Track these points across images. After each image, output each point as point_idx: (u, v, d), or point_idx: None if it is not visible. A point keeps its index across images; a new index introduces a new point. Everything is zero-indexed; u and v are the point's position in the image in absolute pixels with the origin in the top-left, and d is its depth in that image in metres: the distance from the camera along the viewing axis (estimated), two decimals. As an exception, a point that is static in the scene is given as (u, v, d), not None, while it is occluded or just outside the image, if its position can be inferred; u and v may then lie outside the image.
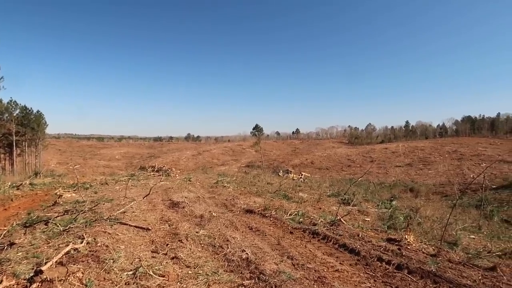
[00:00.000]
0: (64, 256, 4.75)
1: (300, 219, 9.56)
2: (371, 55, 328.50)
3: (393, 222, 10.35)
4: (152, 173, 25.56)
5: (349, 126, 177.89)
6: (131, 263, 4.97)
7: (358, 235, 7.57)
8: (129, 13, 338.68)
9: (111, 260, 4.87)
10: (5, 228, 7.33)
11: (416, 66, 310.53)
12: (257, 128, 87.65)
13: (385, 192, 27.87)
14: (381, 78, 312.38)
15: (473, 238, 9.75)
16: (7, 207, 12.69)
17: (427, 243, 7.50)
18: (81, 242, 5.43)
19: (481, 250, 7.70)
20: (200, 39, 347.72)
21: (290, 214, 10.01)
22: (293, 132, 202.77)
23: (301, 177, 37.44)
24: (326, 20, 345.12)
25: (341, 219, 9.44)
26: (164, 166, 31.09)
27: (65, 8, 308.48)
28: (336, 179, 42.07)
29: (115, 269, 4.65)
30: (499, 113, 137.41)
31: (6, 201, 13.91)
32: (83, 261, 4.78)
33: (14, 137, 63.49)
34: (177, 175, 24.79)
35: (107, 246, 5.50)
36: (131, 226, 7.11)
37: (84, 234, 5.98)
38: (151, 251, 5.70)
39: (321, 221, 9.25)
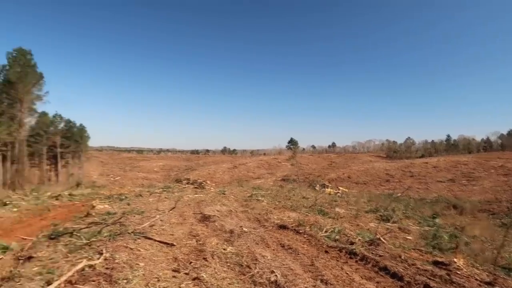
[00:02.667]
0: (76, 274, 4.51)
1: (336, 237, 8.95)
2: (410, 68, 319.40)
3: (437, 242, 9.53)
4: (186, 186, 25.65)
5: (387, 139, 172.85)
6: (147, 284, 4.62)
7: (400, 257, 6.88)
8: (174, 29, 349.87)
9: (125, 281, 4.55)
10: (32, 239, 7.29)
11: (457, 78, 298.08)
12: (292, 142, 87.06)
13: (427, 208, 26.38)
14: (421, 90, 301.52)
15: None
16: (43, 217, 12.93)
17: (479, 267, 6.71)
18: (99, 258, 5.19)
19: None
20: (234, 55, 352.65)
21: (325, 231, 9.42)
22: (329, 146, 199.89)
23: (338, 192, 36.45)
24: (370, 32, 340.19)
25: (381, 238, 8.75)
26: (198, 179, 31.27)
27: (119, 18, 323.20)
28: (374, 194, 40.60)
29: (126, 291, 4.33)
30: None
31: (43, 211, 14.22)
32: (94, 281, 4.51)
33: (59, 149, 66.45)
34: (211, 188, 24.73)
35: (125, 263, 5.21)
36: (155, 241, 6.84)
37: (104, 249, 5.76)
38: (172, 270, 5.35)
39: (359, 239, 8.60)
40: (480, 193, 52.68)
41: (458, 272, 6.01)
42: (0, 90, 39.64)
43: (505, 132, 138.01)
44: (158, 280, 4.76)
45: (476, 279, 5.73)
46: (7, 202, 15.03)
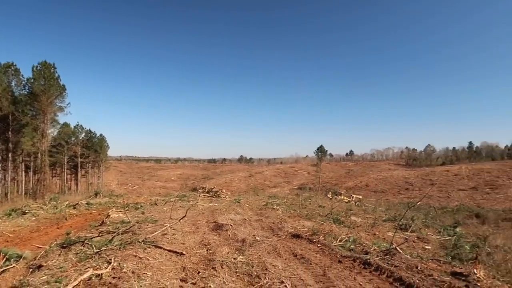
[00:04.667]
0: (81, 283, 4.48)
1: (351, 246, 8.73)
2: (430, 73, 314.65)
3: (457, 252, 9.17)
4: (202, 194, 25.65)
5: (406, 147, 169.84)
6: (152, 295, 4.55)
7: (417, 267, 6.64)
8: (190, 38, 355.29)
9: (130, 290, 4.49)
10: (45, 247, 7.35)
11: (480, 82, 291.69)
12: (320, 149, 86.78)
13: (448, 217, 25.70)
14: (441, 96, 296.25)
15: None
16: (60, 225, 13.10)
17: (501, 279, 6.40)
18: (106, 267, 5.16)
19: None
20: (254, 56, 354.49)
21: (340, 240, 9.22)
22: (346, 154, 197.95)
23: (351, 199, 35.97)
24: (383, 34, 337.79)
25: (397, 247, 8.48)
26: (214, 188, 31.20)
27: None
28: (392, 202, 39.83)
29: (131, 301, 4.27)
30: None
31: (60, 219, 14.42)
32: (99, 290, 4.46)
33: (79, 159, 67.77)
34: (227, 197, 24.70)
35: (133, 272, 5.16)
36: (165, 250, 6.79)
37: (112, 258, 5.73)
38: (180, 280, 5.27)
39: (374, 249, 8.36)
40: (504, 202, 51.24)
41: (478, 284, 5.75)
42: (25, 102, 40.87)
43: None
44: (165, 290, 4.70)
45: (497, 292, 5.47)
46: (26, 211, 15.29)
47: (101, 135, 77.03)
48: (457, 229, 14.12)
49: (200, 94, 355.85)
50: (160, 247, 6.98)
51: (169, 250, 6.86)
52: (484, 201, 53.43)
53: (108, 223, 11.16)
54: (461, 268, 6.97)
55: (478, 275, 6.16)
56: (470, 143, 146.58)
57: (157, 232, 8.39)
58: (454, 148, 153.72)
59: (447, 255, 8.86)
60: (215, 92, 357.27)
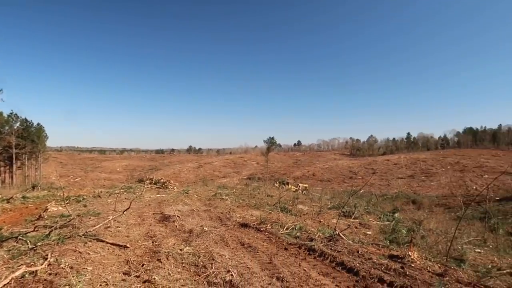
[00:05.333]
0: (13, 281, 4.17)
1: (297, 234, 8.95)
2: (372, 66, 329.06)
3: (395, 236, 9.76)
4: (149, 186, 24.97)
5: (350, 137, 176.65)
6: (92, 290, 4.36)
7: (358, 252, 6.96)
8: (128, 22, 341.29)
9: (67, 287, 4.26)
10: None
11: (417, 78, 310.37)
12: (271, 140, 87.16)
13: (387, 204, 27.16)
14: (382, 89, 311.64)
15: (479, 253, 9.16)
16: (-9, 221, 12.16)
17: (432, 260, 6.87)
18: (42, 263, 4.85)
19: (490, 266, 7.10)
20: (200, 48, 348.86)
21: (287, 228, 9.43)
22: (294, 144, 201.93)
23: (299, 188, 36.89)
24: (326, 29, 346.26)
25: (340, 233, 8.82)
26: (162, 179, 30.52)
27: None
28: (337, 191, 41.42)
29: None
30: (500, 124, 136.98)
31: (-8, 215, 13.37)
32: (32, 288, 4.19)
33: (14, 150, 63.15)
34: (175, 188, 24.28)
35: (71, 267, 4.90)
36: (108, 243, 6.53)
37: (49, 254, 5.40)
38: (123, 273, 5.10)
39: (319, 235, 8.64)
40: (437, 189, 55.06)
41: (412, 265, 6.14)
42: None
43: (461, 130, 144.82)
44: (106, 285, 4.52)
45: (429, 271, 5.87)
46: (-48, 207, 14.01)
47: (38, 124, 72.06)
48: (396, 215, 14.98)
49: (146, 82, 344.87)
50: (103, 241, 6.69)
51: (112, 244, 6.60)
52: (420, 188, 57.14)
53: (46, 217, 10.51)
54: (398, 251, 7.42)
55: (412, 257, 6.58)
56: (408, 134, 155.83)
57: (99, 225, 8.05)
58: (394, 138, 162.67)
59: (385, 239, 9.38)
60: (162, 81, 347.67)
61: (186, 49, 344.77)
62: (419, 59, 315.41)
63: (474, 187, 50.27)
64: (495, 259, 8.08)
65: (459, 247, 8.70)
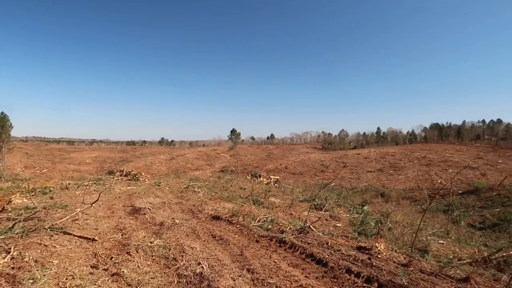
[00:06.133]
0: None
1: (269, 226, 9.03)
2: (344, 63, 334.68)
3: (364, 228, 10.04)
4: (120, 178, 24.44)
5: (322, 131, 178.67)
6: (58, 284, 4.24)
7: (327, 243, 7.10)
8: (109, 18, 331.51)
9: (31, 281, 4.13)
10: None
11: (387, 74, 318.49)
12: (234, 133, 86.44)
13: (357, 197, 27.86)
14: (353, 85, 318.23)
15: (442, 244, 9.58)
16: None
17: (398, 251, 7.12)
18: (5, 257, 4.68)
19: (452, 257, 7.44)
20: (173, 35, 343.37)
21: (258, 221, 9.49)
22: (267, 137, 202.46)
23: (270, 181, 37.17)
24: (306, 28, 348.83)
25: (311, 225, 8.96)
26: (133, 171, 29.90)
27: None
28: (309, 184, 42.01)
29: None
30: (464, 121, 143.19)
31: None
32: (-7, 282, 4.03)
33: (-26, 139, 60.33)
34: (146, 180, 23.87)
35: (36, 261, 4.75)
36: (75, 236, 6.36)
37: (12, 247, 5.21)
38: (90, 266, 5.00)
39: (290, 228, 8.75)
40: (405, 182, 56.71)
41: (379, 256, 6.33)
42: None
43: (428, 126, 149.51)
44: (73, 278, 4.41)
45: (394, 262, 6.07)
46: None
47: (2, 113, 68.87)
48: (365, 208, 15.38)
49: (116, 69, 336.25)
50: (70, 234, 6.51)
51: (80, 236, 6.44)
52: (388, 182, 58.67)
53: (9, 209, 10.10)
54: (366, 242, 7.63)
55: (379, 248, 6.79)
56: (378, 129, 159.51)
57: (66, 218, 7.83)
58: (364, 133, 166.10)
59: (354, 231, 9.63)
60: (135, 70, 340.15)
61: (157, 36, 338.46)
62: (389, 57, 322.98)
63: (439, 181, 52.00)
64: (457, 249, 8.48)
65: (424, 239, 9.07)
